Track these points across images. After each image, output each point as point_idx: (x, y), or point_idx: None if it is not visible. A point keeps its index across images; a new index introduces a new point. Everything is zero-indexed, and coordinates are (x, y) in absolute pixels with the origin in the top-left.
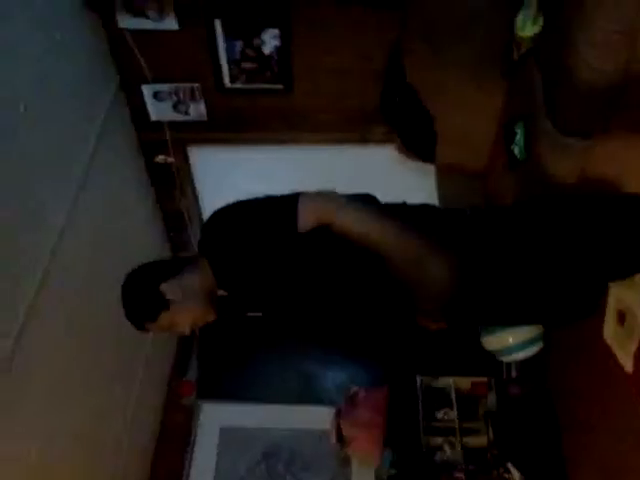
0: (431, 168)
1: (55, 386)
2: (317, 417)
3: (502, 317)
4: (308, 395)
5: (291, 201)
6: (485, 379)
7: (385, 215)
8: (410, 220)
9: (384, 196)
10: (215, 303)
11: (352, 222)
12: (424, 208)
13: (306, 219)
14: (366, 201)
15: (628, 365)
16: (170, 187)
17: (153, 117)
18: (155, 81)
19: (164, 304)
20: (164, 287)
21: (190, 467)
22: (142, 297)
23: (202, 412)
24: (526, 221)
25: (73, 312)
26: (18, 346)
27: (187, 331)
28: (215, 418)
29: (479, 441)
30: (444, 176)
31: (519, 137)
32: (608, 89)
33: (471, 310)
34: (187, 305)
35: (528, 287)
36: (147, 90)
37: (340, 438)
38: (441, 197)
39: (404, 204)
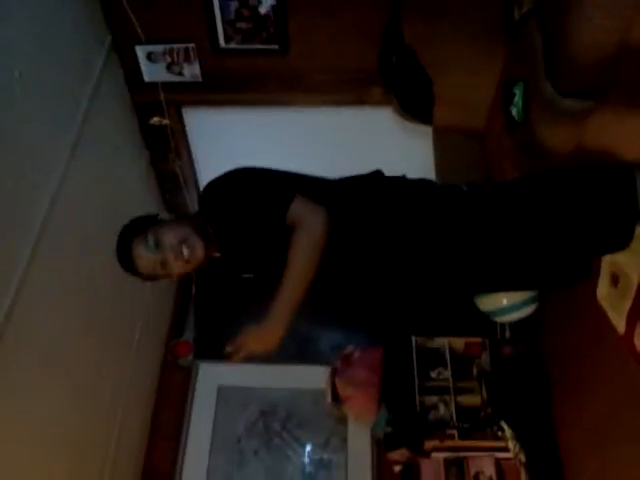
0: (428, 130)
1: (52, 350)
2: (313, 376)
3: (498, 284)
4: (304, 355)
5: (287, 198)
6: (479, 339)
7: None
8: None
9: (381, 158)
10: (210, 241)
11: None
12: (422, 183)
13: (290, 219)
14: (370, 180)
15: (620, 326)
16: (165, 149)
17: (147, 78)
18: (149, 42)
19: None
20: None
21: (188, 426)
22: (133, 232)
23: (199, 372)
24: (519, 194)
25: (68, 276)
26: (12, 312)
27: (174, 276)
28: (212, 378)
29: (473, 400)
30: (442, 138)
31: (517, 98)
32: (610, 49)
33: (467, 280)
34: None
35: (523, 257)
36: (140, 51)
37: (336, 397)
38: (438, 159)
39: (403, 177)
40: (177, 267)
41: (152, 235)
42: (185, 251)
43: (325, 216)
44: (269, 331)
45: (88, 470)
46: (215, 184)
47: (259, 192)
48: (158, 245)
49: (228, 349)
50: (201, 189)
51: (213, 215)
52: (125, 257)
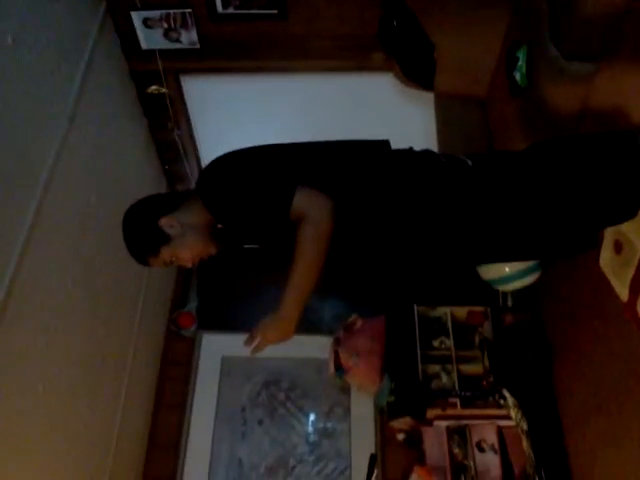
0: (430, 96)
1: (55, 323)
2: (316, 346)
3: (503, 254)
4: (307, 325)
5: (289, 191)
6: (481, 308)
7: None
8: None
9: (382, 125)
10: (216, 236)
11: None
12: (426, 158)
13: (295, 213)
14: (377, 151)
15: (624, 294)
16: (164, 118)
17: (143, 45)
18: (145, 7)
19: (164, 239)
20: (163, 222)
21: (193, 397)
22: (142, 233)
23: (203, 343)
24: (525, 167)
25: (68, 250)
26: (13, 287)
27: (189, 264)
28: (216, 348)
29: (475, 369)
30: (444, 104)
31: (521, 63)
32: (617, 8)
33: (472, 250)
34: (187, 239)
35: (530, 228)
36: (136, 17)
37: (339, 367)
38: (440, 126)
39: (409, 151)
40: (191, 264)
41: (167, 255)
42: (200, 259)
43: (331, 207)
44: (284, 322)
45: (94, 441)
46: (211, 172)
47: (260, 184)
48: (173, 262)
49: (247, 343)
50: (201, 158)
51: (212, 206)
52: (138, 259)
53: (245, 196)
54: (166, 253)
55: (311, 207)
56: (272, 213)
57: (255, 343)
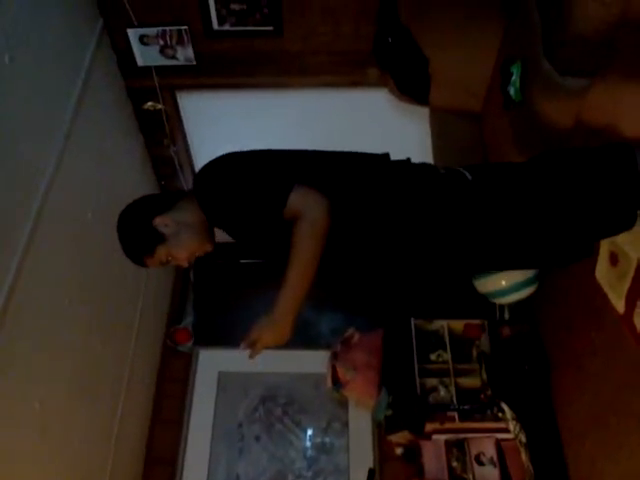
0: (425, 111)
1: (51, 339)
2: (313, 361)
3: (499, 264)
4: (304, 339)
5: (285, 189)
6: (478, 321)
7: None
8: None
9: (377, 140)
10: (211, 233)
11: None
12: (425, 170)
13: (290, 212)
14: (375, 162)
15: (620, 306)
16: (160, 134)
17: (140, 62)
18: (141, 25)
19: (159, 238)
20: (158, 221)
21: (190, 413)
22: (137, 233)
23: (199, 358)
24: (523, 181)
25: (65, 267)
26: (10, 299)
27: (185, 263)
28: (213, 364)
29: (473, 382)
30: (438, 119)
31: (515, 78)
32: (609, 24)
33: (469, 260)
34: (182, 238)
35: (527, 239)
36: (133, 34)
37: (336, 381)
38: (435, 140)
39: (408, 162)
40: (187, 264)
41: (162, 254)
42: (196, 257)
43: (327, 205)
44: (280, 324)
45: (91, 458)
46: (207, 172)
47: (254, 183)
48: (170, 262)
49: (243, 346)
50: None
51: (208, 205)
52: (134, 259)
53: (240, 193)
54: (162, 252)
55: (307, 205)
56: (267, 209)
57: (252, 346)
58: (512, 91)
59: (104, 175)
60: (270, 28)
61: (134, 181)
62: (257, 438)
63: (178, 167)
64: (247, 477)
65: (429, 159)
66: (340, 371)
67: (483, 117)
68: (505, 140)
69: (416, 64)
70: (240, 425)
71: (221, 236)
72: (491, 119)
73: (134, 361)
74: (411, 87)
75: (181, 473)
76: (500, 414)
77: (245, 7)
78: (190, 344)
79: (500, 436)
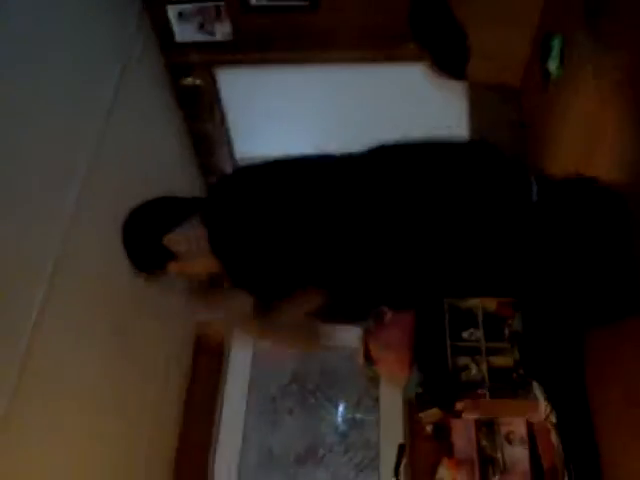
0: (462, 86)
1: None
2: (346, 336)
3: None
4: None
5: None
6: (511, 300)
7: None
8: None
9: (414, 115)
10: None
11: None
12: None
13: None
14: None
15: None
16: (198, 110)
17: (178, 38)
18: (180, 1)
19: (169, 255)
20: (168, 239)
21: (224, 390)
22: (146, 250)
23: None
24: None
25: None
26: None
27: (202, 278)
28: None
29: (505, 361)
30: (476, 94)
31: (555, 52)
32: None
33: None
34: (196, 255)
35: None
36: (172, 10)
37: (368, 358)
38: (472, 116)
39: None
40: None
41: (174, 269)
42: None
43: None
44: None
45: (130, 430)
46: (220, 188)
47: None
48: (184, 275)
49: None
50: (234, 149)
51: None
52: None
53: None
54: (173, 268)
55: None
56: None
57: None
58: (552, 66)
59: (145, 151)
60: (306, 3)
61: (173, 156)
62: (290, 412)
63: (216, 143)
64: (279, 450)
65: (465, 134)
66: (372, 348)
67: (522, 93)
68: (543, 115)
69: (453, 38)
70: (273, 399)
71: None
72: (530, 94)
73: (168, 328)
74: (448, 61)
75: (215, 446)
76: (531, 394)
77: None
78: None
79: (531, 416)
